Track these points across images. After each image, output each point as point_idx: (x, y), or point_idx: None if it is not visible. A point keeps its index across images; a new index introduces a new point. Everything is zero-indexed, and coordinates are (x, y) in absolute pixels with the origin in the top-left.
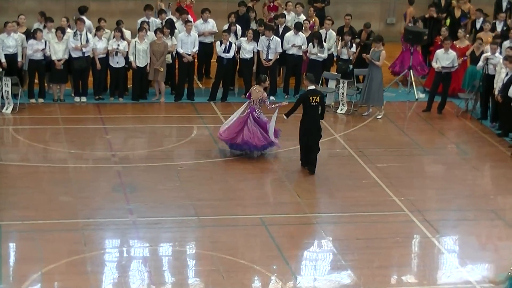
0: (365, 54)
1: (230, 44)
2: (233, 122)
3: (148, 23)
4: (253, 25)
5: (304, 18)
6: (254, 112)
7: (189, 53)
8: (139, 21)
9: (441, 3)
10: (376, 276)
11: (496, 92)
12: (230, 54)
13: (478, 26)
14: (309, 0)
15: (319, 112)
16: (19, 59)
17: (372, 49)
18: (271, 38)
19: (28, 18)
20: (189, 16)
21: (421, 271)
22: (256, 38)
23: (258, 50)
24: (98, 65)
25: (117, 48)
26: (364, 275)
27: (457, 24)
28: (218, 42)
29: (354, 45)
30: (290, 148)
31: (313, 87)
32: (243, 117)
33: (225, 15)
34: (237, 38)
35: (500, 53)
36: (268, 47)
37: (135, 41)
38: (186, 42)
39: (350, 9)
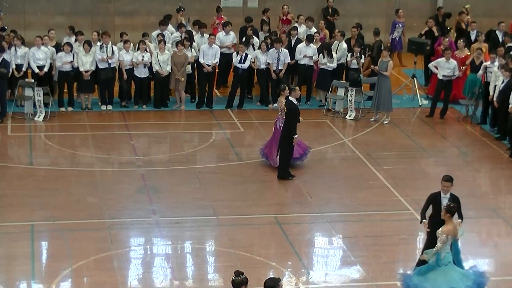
0: (373, 66)
1: (246, 55)
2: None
3: (164, 35)
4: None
5: (315, 30)
6: (277, 121)
7: (209, 64)
8: (153, 34)
9: (438, 17)
10: (384, 271)
11: (494, 98)
12: (245, 65)
13: (473, 37)
14: (323, 13)
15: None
16: (45, 69)
17: (380, 59)
18: (280, 50)
19: (57, 32)
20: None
21: None
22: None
23: (268, 63)
24: (125, 75)
25: (143, 60)
26: (372, 270)
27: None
28: (234, 53)
29: (363, 56)
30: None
31: (292, 99)
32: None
33: (239, 28)
34: (254, 50)
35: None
36: (278, 59)
37: (157, 52)
38: (207, 54)
39: (357, 21)
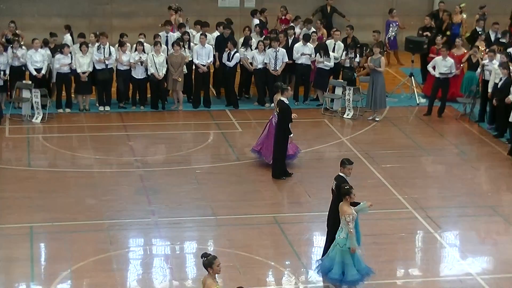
0: (367, 63)
1: (235, 52)
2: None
3: (160, 36)
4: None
5: (313, 30)
6: (273, 118)
7: (204, 64)
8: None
9: (438, 14)
10: (383, 270)
11: (494, 96)
12: (231, 63)
13: (492, 37)
14: (321, 11)
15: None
16: (43, 72)
17: (370, 56)
18: (277, 50)
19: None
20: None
21: (424, 264)
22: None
23: (266, 63)
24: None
25: (140, 59)
26: None
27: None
28: (225, 54)
29: (357, 55)
30: (301, 151)
31: (283, 99)
32: (268, 124)
33: (237, 28)
34: (252, 50)
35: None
36: (276, 58)
37: (152, 54)
38: (201, 54)
39: (354, 21)
